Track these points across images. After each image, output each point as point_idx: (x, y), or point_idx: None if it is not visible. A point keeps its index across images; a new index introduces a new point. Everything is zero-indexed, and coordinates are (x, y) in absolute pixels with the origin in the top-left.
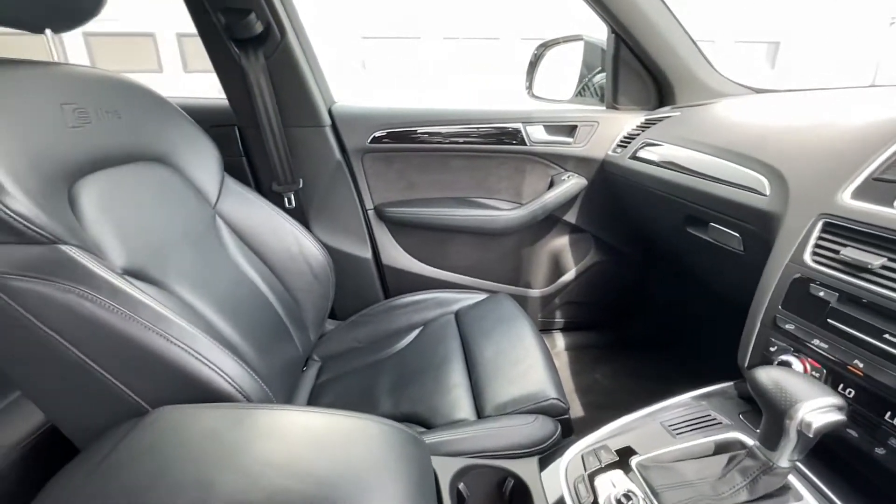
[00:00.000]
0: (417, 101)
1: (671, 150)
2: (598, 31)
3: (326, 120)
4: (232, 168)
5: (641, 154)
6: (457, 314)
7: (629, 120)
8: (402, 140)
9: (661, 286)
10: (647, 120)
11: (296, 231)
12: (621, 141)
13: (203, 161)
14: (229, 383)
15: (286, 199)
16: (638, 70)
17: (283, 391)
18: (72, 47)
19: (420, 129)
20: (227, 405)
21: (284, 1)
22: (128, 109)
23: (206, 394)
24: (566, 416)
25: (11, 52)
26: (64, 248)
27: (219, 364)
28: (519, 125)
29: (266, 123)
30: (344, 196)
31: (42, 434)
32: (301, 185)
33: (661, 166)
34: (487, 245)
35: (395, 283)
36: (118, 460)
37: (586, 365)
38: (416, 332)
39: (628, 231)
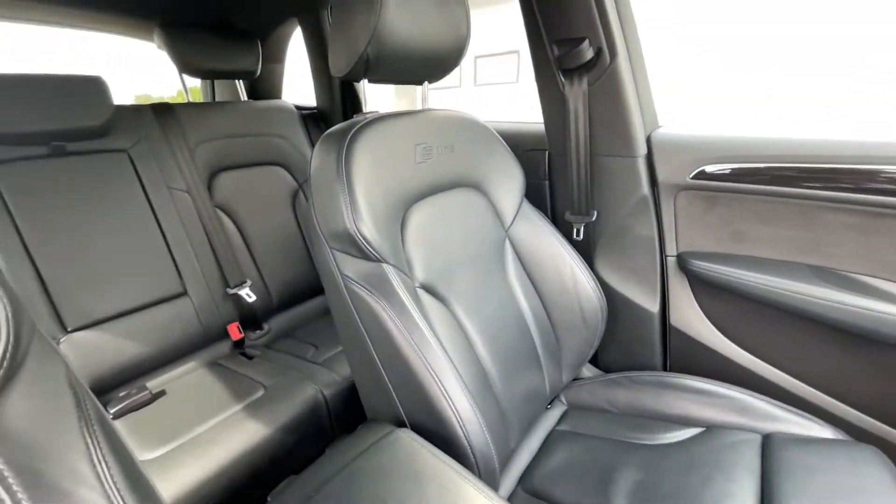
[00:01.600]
0: (757, 122)
1: None
2: None
3: (641, 149)
4: (534, 190)
5: None
6: (767, 438)
7: None
8: (740, 178)
9: None
10: None
11: (575, 265)
12: None
13: (509, 186)
14: (458, 422)
15: (575, 230)
16: None
17: (519, 421)
18: None
19: (774, 166)
20: (451, 468)
21: (624, 21)
22: (460, 143)
23: (440, 423)
24: None
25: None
26: (385, 266)
27: (456, 402)
28: None
29: (574, 150)
30: (641, 235)
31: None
32: (594, 217)
33: None
34: (862, 354)
35: (680, 353)
36: (357, 469)
37: None
38: (693, 433)
39: None
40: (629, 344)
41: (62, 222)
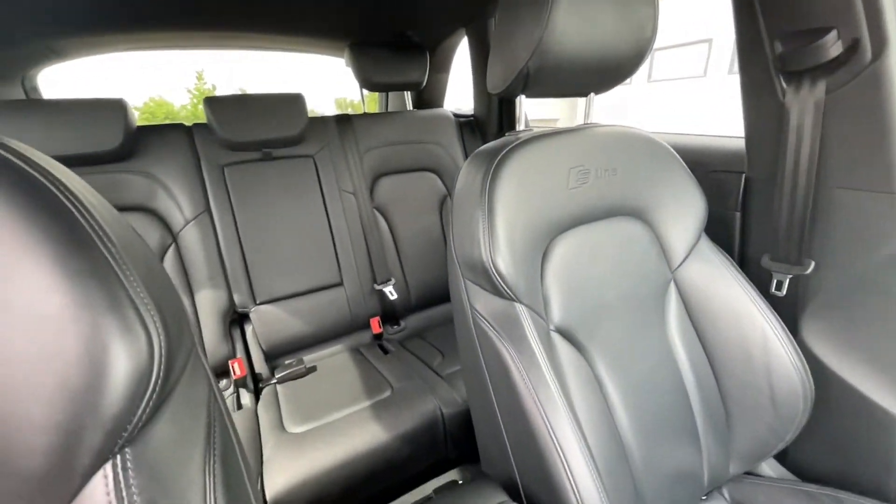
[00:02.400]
0: None
1: None
2: None
3: None
4: (718, 223)
5: None
6: None
7: None
8: None
9: None
10: None
11: (769, 328)
12: None
13: (683, 217)
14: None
15: (775, 283)
16: None
17: None
18: None
19: None
20: None
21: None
22: (625, 164)
23: (554, 494)
24: None
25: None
26: (518, 306)
27: (578, 481)
28: None
29: (790, 177)
30: (890, 304)
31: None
32: (809, 269)
33: None
34: None
35: None
36: None
37: None
38: None
39: None
40: (846, 450)
41: (263, 214)
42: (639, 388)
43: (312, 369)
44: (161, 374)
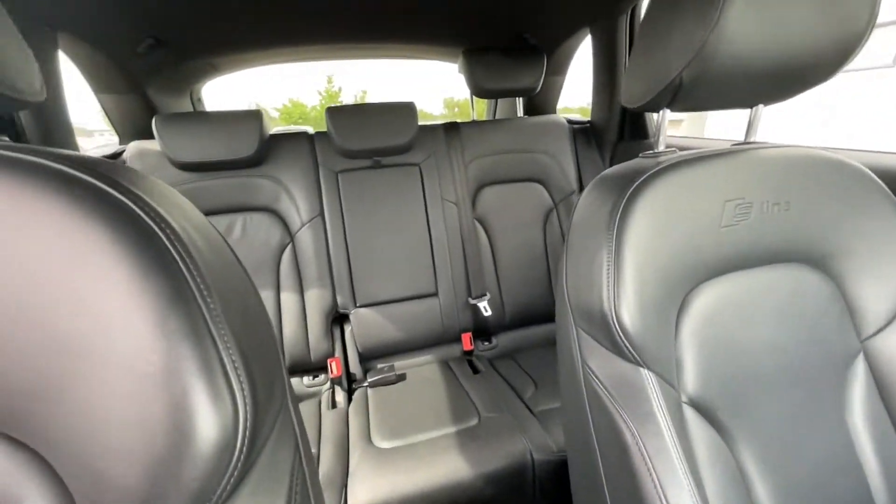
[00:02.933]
0: None
1: None
2: None
3: None
4: None
5: None
6: None
7: None
8: None
9: None
10: None
11: None
12: None
13: (886, 267)
14: None
15: None
16: None
17: None
18: None
19: None
20: None
21: None
22: (802, 196)
23: None
24: None
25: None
26: (644, 372)
27: None
28: None
29: None
30: None
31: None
32: None
33: None
34: None
35: None
36: None
37: None
38: None
39: None
40: None
41: (369, 220)
42: (801, 492)
43: (402, 377)
44: (245, 445)
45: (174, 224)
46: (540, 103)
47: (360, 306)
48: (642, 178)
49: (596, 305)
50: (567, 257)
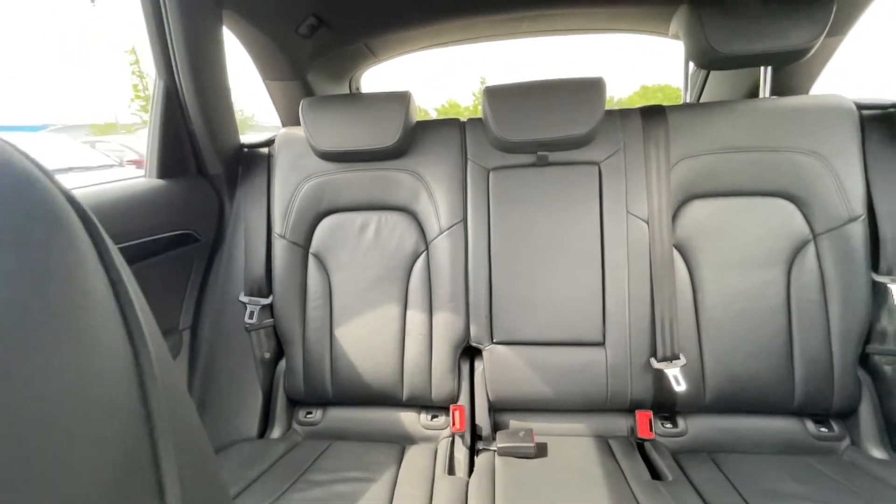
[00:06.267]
0: None
1: None
2: None
3: None
4: None
5: None
6: None
7: None
8: None
9: None
10: None
11: None
12: None
13: None
14: None
15: None
16: None
17: None
18: None
19: None
20: None
21: None
22: None
23: None
24: None
25: None
26: None
27: None
28: None
29: None
30: None
31: None
32: None
33: None
34: None
35: None
36: None
37: None
38: None
39: None
40: None
41: (521, 234)
42: None
43: (542, 450)
44: None
45: None
46: (795, 79)
47: (498, 342)
48: None
49: None
50: None
